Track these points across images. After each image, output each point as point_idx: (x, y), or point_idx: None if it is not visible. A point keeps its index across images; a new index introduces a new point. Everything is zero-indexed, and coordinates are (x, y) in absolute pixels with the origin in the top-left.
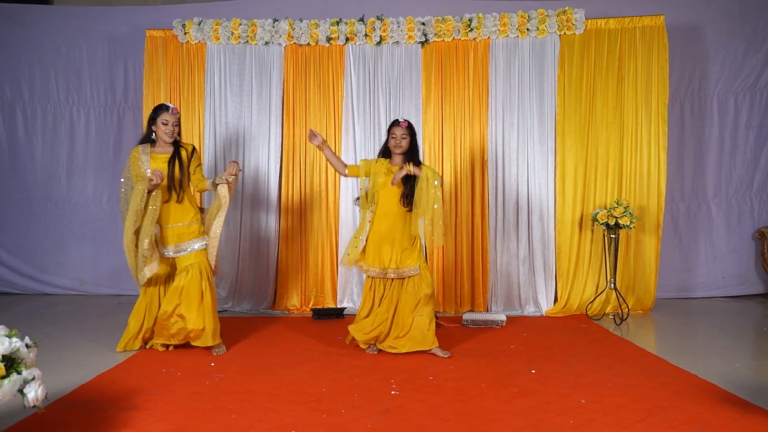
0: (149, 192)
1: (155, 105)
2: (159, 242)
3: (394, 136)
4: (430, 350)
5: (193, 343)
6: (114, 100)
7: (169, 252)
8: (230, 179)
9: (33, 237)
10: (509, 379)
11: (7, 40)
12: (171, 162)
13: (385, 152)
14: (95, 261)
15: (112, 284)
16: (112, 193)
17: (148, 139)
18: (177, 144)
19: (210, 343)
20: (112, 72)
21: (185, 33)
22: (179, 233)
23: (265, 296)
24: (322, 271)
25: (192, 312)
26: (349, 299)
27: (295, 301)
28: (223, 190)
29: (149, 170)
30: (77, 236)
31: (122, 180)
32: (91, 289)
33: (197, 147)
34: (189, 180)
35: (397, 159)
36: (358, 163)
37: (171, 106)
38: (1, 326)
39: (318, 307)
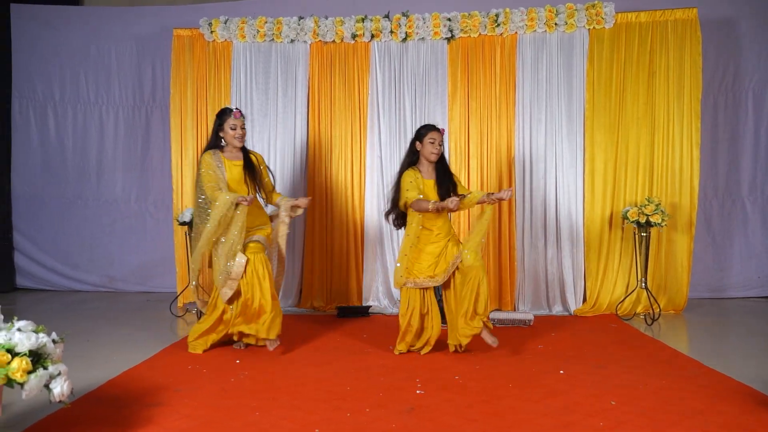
0: (236, 205)
1: (181, 103)
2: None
3: (432, 141)
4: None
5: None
6: (142, 99)
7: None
8: (296, 213)
9: (64, 234)
10: (537, 380)
11: (38, 41)
12: (246, 169)
13: (411, 160)
14: (124, 258)
15: (141, 281)
16: (140, 192)
17: (215, 146)
18: (245, 150)
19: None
20: (140, 72)
21: (211, 32)
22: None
23: (290, 294)
24: (347, 270)
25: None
26: (374, 298)
27: (320, 300)
28: (283, 228)
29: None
30: (107, 234)
31: (199, 196)
32: (120, 286)
33: None
34: (261, 188)
35: (428, 167)
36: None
37: (234, 108)
38: (29, 322)
39: (343, 305)
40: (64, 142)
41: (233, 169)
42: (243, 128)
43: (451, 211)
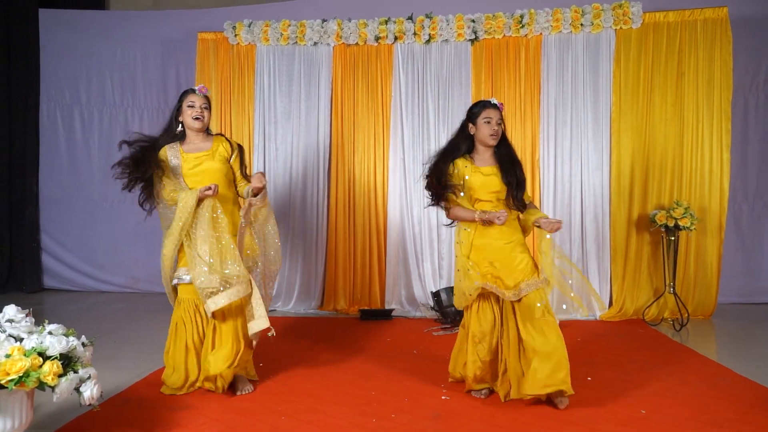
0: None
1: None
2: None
3: (488, 120)
4: None
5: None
6: (166, 102)
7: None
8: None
9: (90, 236)
10: None
11: (65, 45)
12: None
13: (461, 145)
14: (149, 259)
15: None
16: None
17: (173, 136)
18: (219, 140)
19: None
20: (164, 74)
21: (235, 35)
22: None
23: (313, 296)
24: (369, 273)
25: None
26: (396, 301)
27: (342, 303)
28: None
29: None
30: (131, 235)
31: (157, 204)
32: (145, 287)
33: (246, 148)
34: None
35: (486, 153)
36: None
37: (199, 86)
38: (59, 325)
39: (366, 308)
40: (90, 144)
41: (191, 162)
42: (205, 108)
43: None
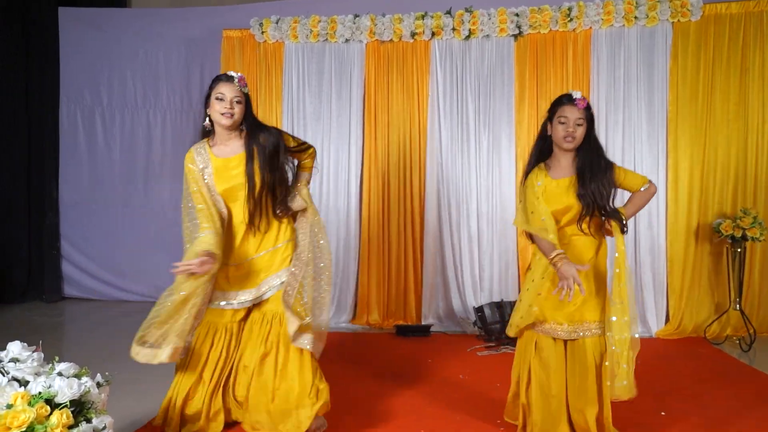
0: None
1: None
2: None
3: (563, 120)
4: None
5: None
6: (190, 103)
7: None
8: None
9: (112, 243)
10: (637, 421)
11: (86, 44)
12: (248, 166)
13: (540, 150)
14: (171, 268)
15: None
16: None
17: (203, 134)
18: (252, 136)
19: None
20: (188, 75)
21: (262, 32)
22: (259, 268)
23: (345, 309)
24: (405, 284)
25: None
26: (434, 315)
27: (376, 316)
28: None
29: (211, 185)
30: (154, 242)
31: (184, 205)
32: None
33: None
34: (285, 186)
35: (564, 160)
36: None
37: (233, 74)
38: (71, 364)
39: (402, 323)
40: (111, 147)
41: (221, 168)
42: (238, 102)
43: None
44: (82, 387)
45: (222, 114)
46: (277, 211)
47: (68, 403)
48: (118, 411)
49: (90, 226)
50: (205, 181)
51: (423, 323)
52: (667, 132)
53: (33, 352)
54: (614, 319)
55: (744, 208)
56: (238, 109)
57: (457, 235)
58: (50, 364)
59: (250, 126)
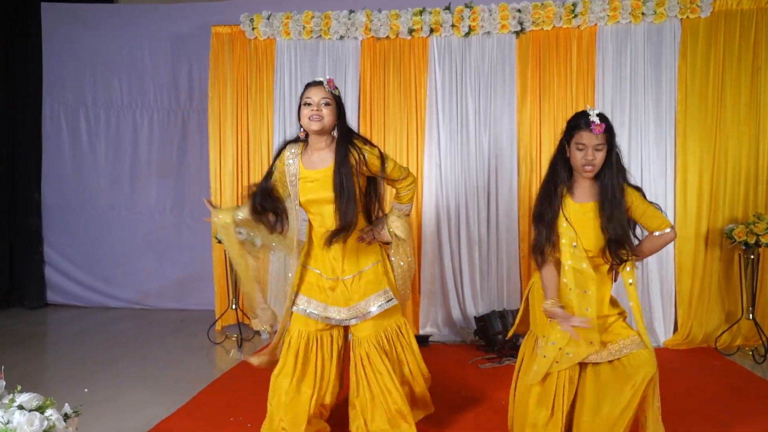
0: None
1: (220, 106)
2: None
3: (581, 147)
4: None
5: None
6: (178, 102)
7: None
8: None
9: (97, 247)
10: None
11: (70, 41)
12: (337, 180)
13: (559, 171)
14: (159, 272)
15: (176, 298)
16: (175, 201)
17: (297, 137)
18: (343, 144)
19: None
20: (176, 73)
21: (253, 28)
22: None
23: None
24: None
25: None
26: (432, 324)
27: None
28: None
29: (294, 194)
30: (141, 247)
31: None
32: (155, 303)
33: (265, 153)
34: (379, 204)
35: (586, 183)
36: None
37: (321, 78)
38: (33, 395)
39: None
40: (96, 148)
41: (308, 180)
42: (324, 105)
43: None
44: (45, 423)
45: (310, 118)
46: (363, 236)
47: None
48: (97, 428)
49: (74, 229)
50: (291, 186)
51: (421, 333)
52: (675, 134)
53: None
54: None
55: (757, 213)
56: (326, 111)
57: (456, 241)
58: (10, 395)
59: (342, 133)
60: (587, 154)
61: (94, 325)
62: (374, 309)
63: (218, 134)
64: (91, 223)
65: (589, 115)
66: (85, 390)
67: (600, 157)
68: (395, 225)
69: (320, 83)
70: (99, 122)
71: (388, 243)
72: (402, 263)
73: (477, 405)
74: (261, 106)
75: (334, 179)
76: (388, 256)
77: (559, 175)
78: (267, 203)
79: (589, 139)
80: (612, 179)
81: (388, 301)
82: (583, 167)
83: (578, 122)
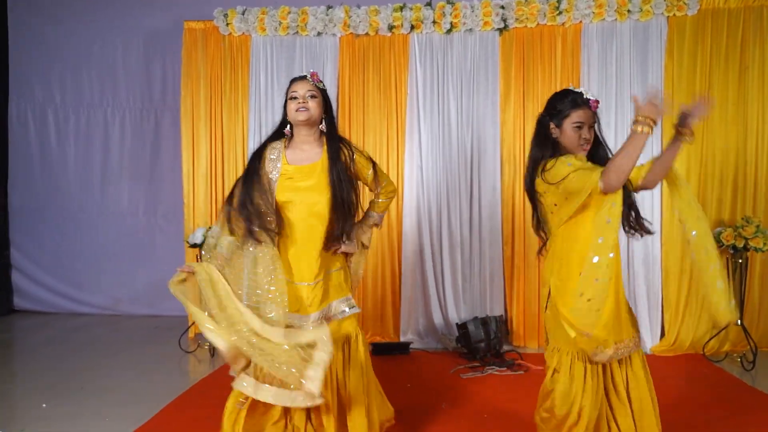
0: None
1: (193, 105)
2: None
3: (579, 125)
4: None
5: None
6: (151, 101)
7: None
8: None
9: (66, 251)
10: None
11: (37, 37)
12: (332, 177)
13: (544, 153)
14: (131, 277)
15: (149, 303)
16: (148, 203)
17: (280, 133)
18: (334, 138)
19: None
20: (148, 71)
21: (227, 24)
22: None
23: None
24: (382, 297)
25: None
26: (413, 331)
27: None
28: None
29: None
30: (112, 251)
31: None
32: (127, 309)
33: (240, 153)
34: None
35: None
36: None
37: (305, 73)
38: None
39: (379, 341)
40: (66, 149)
41: (291, 178)
42: (310, 98)
43: None
44: None
45: (296, 110)
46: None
47: None
48: None
49: (42, 233)
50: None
51: (401, 340)
52: (661, 134)
53: None
54: (694, 233)
55: (746, 216)
56: (313, 104)
57: (438, 243)
58: None
59: (331, 126)
60: (585, 133)
61: (62, 333)
62: (338, 315)
63: (191, 134)
64: (61, 226)
65: (582, 92)
66: (43, 405)
67: (592, 134)
68: (366, 237)
69: (304, 77)
70: (68, 122)
71: (350, 253)
72: (360, 271)
73: (457, 419)
74: (236, 105)
75: (330, 172)
76: (348, 264)
77: (548, 152)
78: (260, 221)
79: (587, 116)
80: (600, 151)
81: (351, 308)
82: (581, 146)
83: (575, 101)
